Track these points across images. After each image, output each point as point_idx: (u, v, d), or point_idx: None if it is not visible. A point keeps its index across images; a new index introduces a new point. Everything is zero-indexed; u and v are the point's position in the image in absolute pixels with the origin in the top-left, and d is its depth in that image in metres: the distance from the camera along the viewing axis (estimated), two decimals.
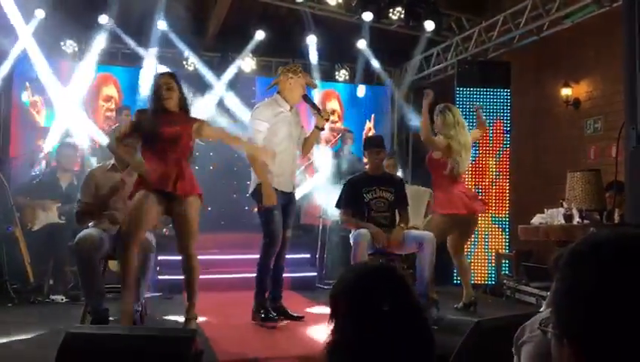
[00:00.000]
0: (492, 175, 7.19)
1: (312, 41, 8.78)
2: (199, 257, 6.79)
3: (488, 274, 7.06)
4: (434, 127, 5.23)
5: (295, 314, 4.70)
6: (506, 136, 7.24)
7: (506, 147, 7.24)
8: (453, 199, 5.08)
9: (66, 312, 4.93)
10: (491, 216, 7.10)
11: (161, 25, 8.03)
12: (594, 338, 0.76)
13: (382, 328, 1.25)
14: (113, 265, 4.60)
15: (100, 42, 7.85)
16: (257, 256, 4.62)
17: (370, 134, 9.40)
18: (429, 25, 7.76)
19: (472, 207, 5.16)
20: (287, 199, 4.60)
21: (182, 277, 6.35)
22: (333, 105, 9.42)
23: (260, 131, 4.45)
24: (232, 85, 8.81)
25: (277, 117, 4.50)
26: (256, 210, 4.75)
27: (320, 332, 4.30)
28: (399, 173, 6.44)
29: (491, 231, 7.14)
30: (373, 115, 9.70)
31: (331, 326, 1.35)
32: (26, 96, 8.21)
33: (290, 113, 4.62)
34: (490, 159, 7.20)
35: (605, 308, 0.75)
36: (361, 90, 9.61)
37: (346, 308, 1.33)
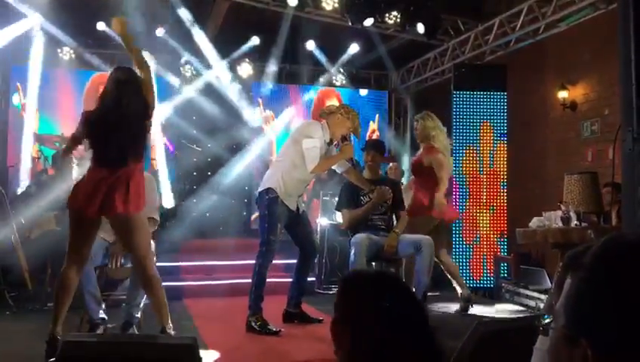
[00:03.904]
0: (489, 177, 7.19)
1: (310, 46, 8.83)
2: (198, 263, 6.87)
3: (486, 277, 7.06)
4: (415, 134, 5.42)
5: (314, 318, 4.74)
6: (503, 139, 7.25)
7: (503, 149, 7.24)
8: (431, 202, 5.11)
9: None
10: (489, 217, 7.10)
11: (159, 31, 8.07)
12: (624, 339, 0.75)
13: (387, 335, 1.25)
14: (112, 272, 4.58)
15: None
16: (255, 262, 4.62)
17: (373, 137, 9.42)
18: (421, 28, 7.75)
19: (446, 213, 5.27)
20: (292, 216, 4.61)
21: (180, 283, 6.41)
22: (333, 104, 9.42)
23: (317, 147, 4.45)
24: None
25: (321, 141, 4.53)
26: (253, 217, 4.73)
27: (318, 337, 4.30)
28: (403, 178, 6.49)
29: (489, 234, 7.14)
30: (377, 116, 9.71)
31: (337, 336, 1.34)
32: (17, 99, 8.05)
33: (326, 146, 4.62)
34: (486, 162, 7.20)
35: None
36: (363, 91, 9.65)
37: (350, 317, 1.32)
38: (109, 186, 3.46)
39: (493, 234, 7.12)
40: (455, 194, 7.11)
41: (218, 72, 8.75)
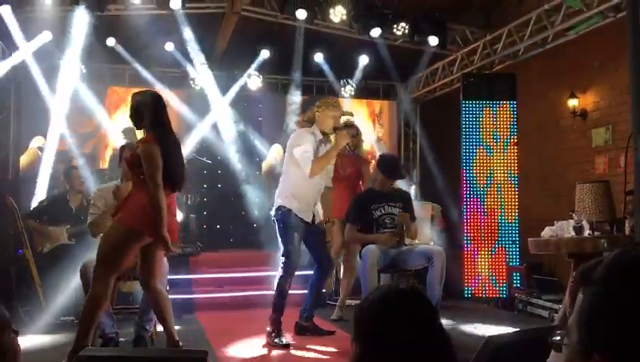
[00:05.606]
0: (500, 186, 7.15)
1: (319, 58, 8.87)
2: (209, 276, 6.87)
3: (496, 286, 7.01)
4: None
5: (326, 330, 4.76)
6: (514, 148, 7.22)
7: (514, 157, 7.21)
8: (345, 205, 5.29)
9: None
10: (501, 228, 7.06)
11: (168, 46, 8.13)
12: (638, 353, 0.74)
13: (407, 352, 1.25)
14: (124, 286, 4.60)
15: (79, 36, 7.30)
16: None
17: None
18: (433, 40, 7.78)
19: None
20: (308, 228, 4.60)
21: (191, 296, 6.41)
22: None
23: (308, 151, 4.47)
24: (238, 103, 8.89)
25: (312, 145, 4.55)
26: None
27: (329, 350, 4.28)
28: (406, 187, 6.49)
29: (501, 243, 7.09)
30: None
31: (356, 348, 1.35)
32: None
33: (321, 144, 4.63)
34: (498, 171, 7.17)
35: None
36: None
37: (370, 332, 1.33)
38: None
39: (505, 243, 7.07)
40: (467, 203, 7.10)
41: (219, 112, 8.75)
